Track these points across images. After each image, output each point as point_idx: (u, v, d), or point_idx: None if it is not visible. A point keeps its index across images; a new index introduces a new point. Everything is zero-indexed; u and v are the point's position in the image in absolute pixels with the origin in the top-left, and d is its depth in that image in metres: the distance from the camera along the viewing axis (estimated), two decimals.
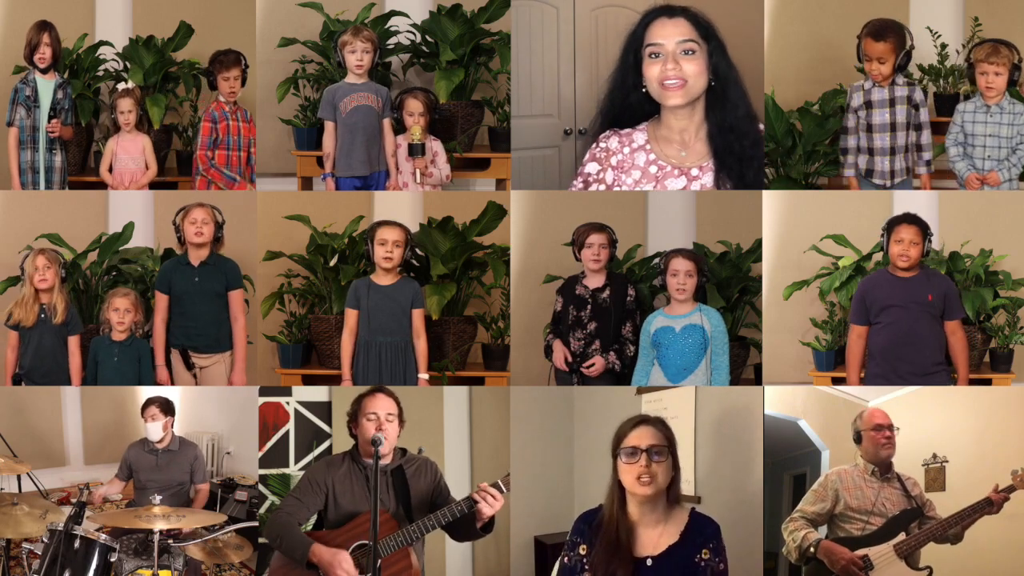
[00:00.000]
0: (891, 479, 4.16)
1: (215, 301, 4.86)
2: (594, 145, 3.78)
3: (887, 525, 4.03)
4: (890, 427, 4.19)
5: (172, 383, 4.90)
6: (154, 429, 4.97)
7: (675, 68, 3.54)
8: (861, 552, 3.95)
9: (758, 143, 3.77)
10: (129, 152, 5.19)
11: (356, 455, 4.12)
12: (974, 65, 4.76)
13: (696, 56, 3.55)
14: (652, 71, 3.57)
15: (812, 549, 3.99)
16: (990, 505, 3.95)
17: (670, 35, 3.55)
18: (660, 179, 3.70)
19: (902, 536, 3.98)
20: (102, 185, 5.28)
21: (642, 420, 3.44)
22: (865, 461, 4.19)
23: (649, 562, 3.34)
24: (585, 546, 3.43)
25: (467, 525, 3.94)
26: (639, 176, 3.71)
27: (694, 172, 3.68)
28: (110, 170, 5.20)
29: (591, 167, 3.75)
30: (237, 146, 5.16)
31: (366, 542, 3.89)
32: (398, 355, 4.81)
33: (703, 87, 3.59)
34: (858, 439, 4.22)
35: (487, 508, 3.86)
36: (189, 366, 4.87)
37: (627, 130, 3.73)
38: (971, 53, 4.83)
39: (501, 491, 3.88)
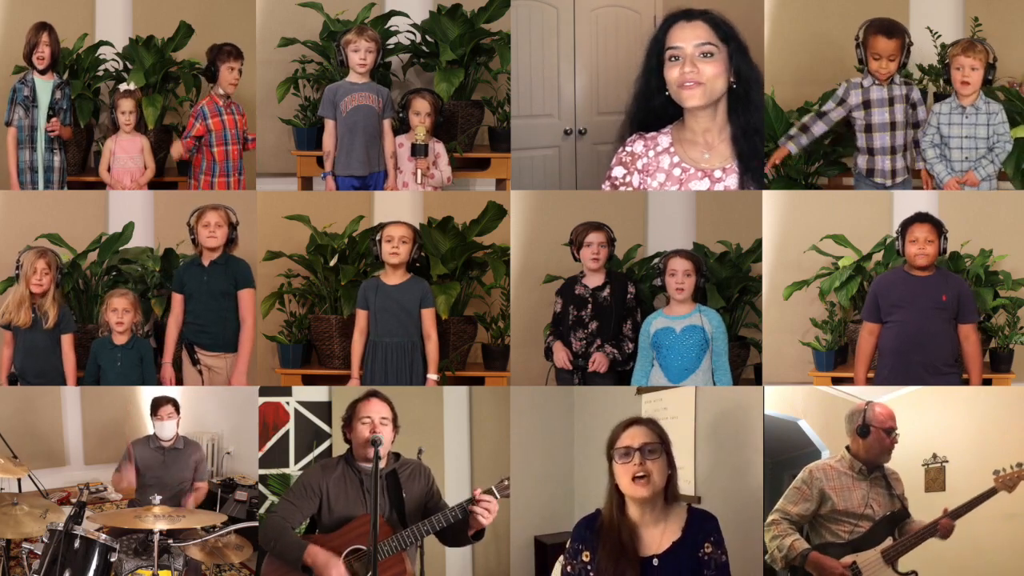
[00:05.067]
0: (878, 478, 4.09)
1: (222, 300, 4.85)
2: (620, 149, 3.80)
3: (875, 529, 3.97)
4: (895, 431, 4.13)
5: (180, 383, 4.90)
6: (170, 427, 4.99)
7: (693, 70, 3.56)
8: (848, 560, 3.89)
9: None
10: (127, 152, 5.19)
11: (350, 459, 4.12)
12: (950, 63, 4.75)
13: (715, 58, 3.57)
14: (672, 74, 3.60)
15: (799, 560, 3.90)
16: (935, 532, 3.89)
17: (688, 38, 3.58)
18: (684, 181, 3.72)
19: (889, 541, 3.93)
20: (102, 185, 5.28)
21: (633, 421, 3.48)
22: (854, 457, 4.09)
23: (655, 562, 3.37)
24: (588, 552, 3.42)
25: (459, 531, 3.94)
26: (663, 179, 3.73)
27: (717, 174, 3.69)
28: (108, 170, 5.20)
29: (617, 171, 3.78)
30: (235, 140, 5.15)
31: (360, 547, 3.90)
32: (404, 356, 4.80)
33: (722, 89, 3.61)
34: (865, 433, 4.06)
35: (485, 518, 3.85)
36: (194, 361, 4.87)
37: (652, 133, 3.76)
38: (946, 52, 4.83)
39: (496, 497, 3.87)
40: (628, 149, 3.76)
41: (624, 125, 3.84)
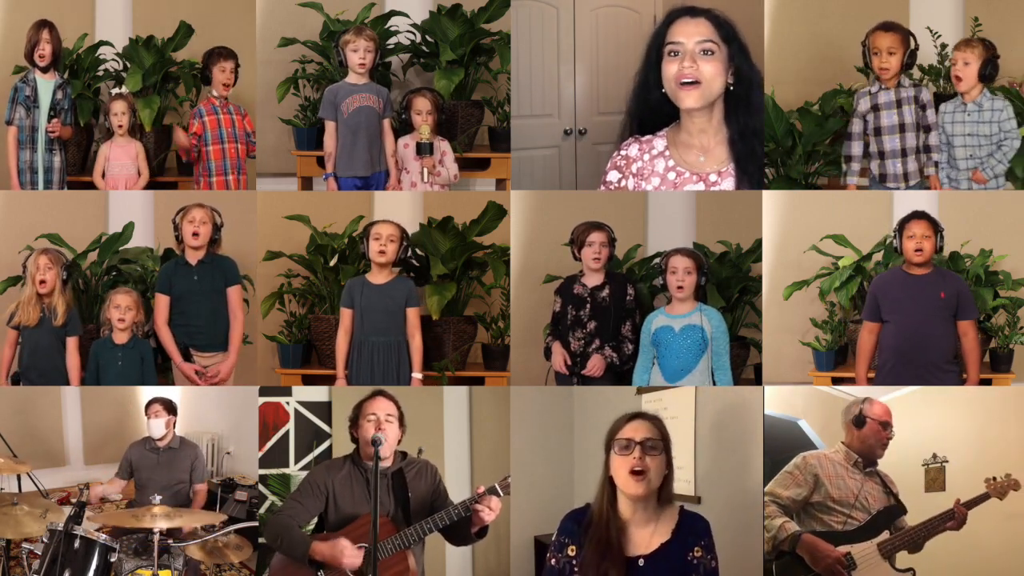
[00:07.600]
0: (872, 474, 4.11)
1: (214, 299, 4.87)
2: (615, 153, 3.77)
3: (872, 521, 3.97)
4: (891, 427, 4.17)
5: (171, 383, 4.90)
6: (157, 426, 4.98)
7: (692, 67, 3.52)
8: (844, 549, 3.88)
9: None
10: (121, 159, 5.16)
11: (357, 458, 4.13)
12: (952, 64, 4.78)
13: (715, 57, 3.53)
14: (670, 69, 3.56)
15: (790, 543, 3.89)
16: (952, 519, 3.90)
17: (690, 34, 3.54)
18: (679, 185, 3.69)
19: (886, 535, 3.93)
20: None
21: (637, 415, 3.42)
22: (849, 449, 4.12)
23: (641, 562, 3.31)
24: (574, 547, 3.37)
25: (463, 529, 3.94)
26: (658, 183, 3.71)
27: (712, 178, 3.66)
28: (103, 176, 5.19)
29: (612, 175, 3.75)
30: (232, 139, 5.15)
31: (364, 545, 3.90)
32: (391, 355, 4.80)
33: (720, 89, 3.57)
34: (860, 423, 4.11)
35: (488, 515, 3.86)
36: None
37: (648, 136, 3.73)
38: (947, 52, 4.85)
39: (498, 495, 3.87)
40: (623, 153, 3.73)
41: (624, 123, 3.82)
